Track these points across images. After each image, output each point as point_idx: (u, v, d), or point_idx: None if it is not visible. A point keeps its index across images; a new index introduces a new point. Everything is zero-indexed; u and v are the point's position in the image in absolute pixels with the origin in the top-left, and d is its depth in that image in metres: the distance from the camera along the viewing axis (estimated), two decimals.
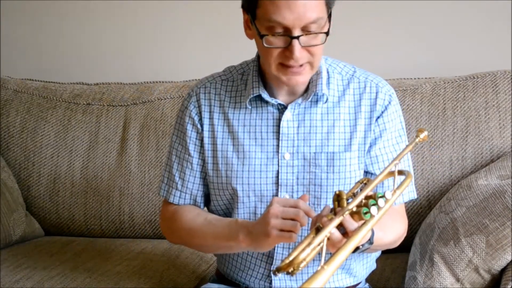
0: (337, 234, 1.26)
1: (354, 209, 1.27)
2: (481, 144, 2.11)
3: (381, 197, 1.28)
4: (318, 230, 1.25)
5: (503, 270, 1.60)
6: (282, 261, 1.17)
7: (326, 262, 1.15)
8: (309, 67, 1.48)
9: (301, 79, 1.49)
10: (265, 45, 1.44)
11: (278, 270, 1.16)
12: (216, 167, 1.62)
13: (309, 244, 1.19)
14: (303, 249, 1.18)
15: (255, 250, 1.49)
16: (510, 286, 1.53)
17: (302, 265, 1.17)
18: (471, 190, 1.77)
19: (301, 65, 1.46)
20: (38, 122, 2.46)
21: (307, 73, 1.49)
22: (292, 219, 1.37)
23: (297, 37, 1.42)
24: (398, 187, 1.37)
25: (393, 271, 1.97)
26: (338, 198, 1.31)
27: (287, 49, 1.44)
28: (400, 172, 1.42)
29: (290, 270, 1.16)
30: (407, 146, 1.46)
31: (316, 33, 1.44)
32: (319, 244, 1.20)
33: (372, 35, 2.51)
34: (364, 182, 1.40)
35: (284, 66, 1.47)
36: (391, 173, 1.41)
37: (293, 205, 1.38)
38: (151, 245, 2.23)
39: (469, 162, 2.10)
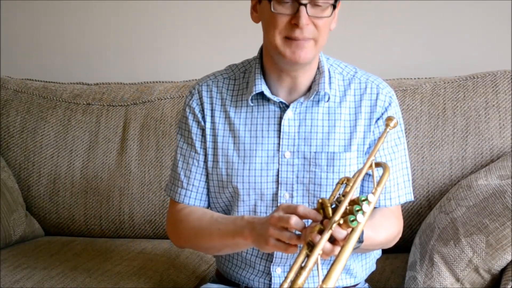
0: (327, 246, 1.28)
1: (341, 221, 1.28)
2: (481, 144, 2.11)
3: (364, 200, 1.29)
4: (309, 245, 1.27)
5: (503, 270, 1.60)
6: (281, 284, 1.20)
7: (324, 280, 1.17)
8: (313, 44, 1.49)
9: (304, 55, 1.49)
10: (273, 10, 1.46)
11: None
12: (216, 165, 1.62)
13: (305, 266, 1.21)
14: (300, 271, 1.20)
15: (259, 249, 1.48)
16: (510, 286, 1.53)
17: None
18: (471, 190, 1.77)
19: (304, 39, 1.47)
20: (38, 122, 2.46)
21: (310, 50, 1.49)
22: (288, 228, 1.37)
23: (305, 4, 1.44)
24: (378, 184, 1.37)
25: (393, 271, 1.97)
26: (322, 206, 1.32)
27: (294, 17, 1.45)
28: (378, 165, 1.42)
29: None
30: (379, 139, 1.46)
31: (324, 4, 1.46)
32: (314, 262, 1.22)
33: (372, 35, 2.51)
34: (344, 182, 1.39)
35: (288, 40, 1.47)
36: (370, 167, 1.41)
37: (291, 211, 1.37)
38: (151, 245, 2.23)
39: (469, 162, 2.10)
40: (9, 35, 2.83)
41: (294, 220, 1.34)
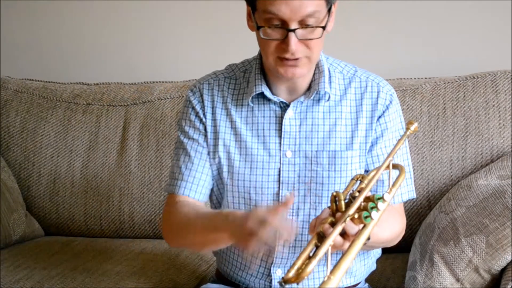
0: (338, 239, 1.27)
1: (355, 216, 1.27)
2: (481, 144, 2.11)
3: (379, 199, 1.29)
4: (319, 236, 1.26)
5: (503, 270, 1.60)
6: (288, 270, 1.18)
7: (332, 271, 1.16)
8: (306, 60, 1.49)
9: (298, 72, 1.49)
10: (262, 36, 1.45)
11: (285, 281, 1.17)
12: (218, 162, 1.62)
13: (314, 255, 1.19)
14: (308, 260, 1.19)
15: (237, 245, 1.42)
16: (510, 286, 1.53)
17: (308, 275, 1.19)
18: (471, 190, 1.77)
19: (297, 58, 1.46)
20: (38, 122, 2.46)
21: (304, 66, 1.49)
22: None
23: (293, 30, 1.43)
24: (393, 185, 1.37)
25: (393, 271, 1.97)
26: (336, 199, 1.31)
27: (284, 41, 1.44)
28: (395, 166, 1.42)
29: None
30: (398, 141, 1.46)
31: (313, 27, 1.44)
32: (324, 252, 1.21)
33: (372, 35, 2.52)
34: (359, 179, 1.39)
35: (281, 58, 1.47)
36: (387, 167, 1.41)
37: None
38: (151, 245, 2.23)
39: (469, 162, 2.10)
40: (9, 35, 2.83)
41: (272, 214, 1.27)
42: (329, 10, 1.47)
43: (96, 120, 2.43)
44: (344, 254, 1.21)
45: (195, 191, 1.64)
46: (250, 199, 1.60)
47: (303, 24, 1.43)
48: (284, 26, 1.43)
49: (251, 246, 1.30)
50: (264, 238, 1.27)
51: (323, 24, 1.45)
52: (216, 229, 1.46)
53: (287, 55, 1.45)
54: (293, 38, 1.43)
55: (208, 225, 1.50)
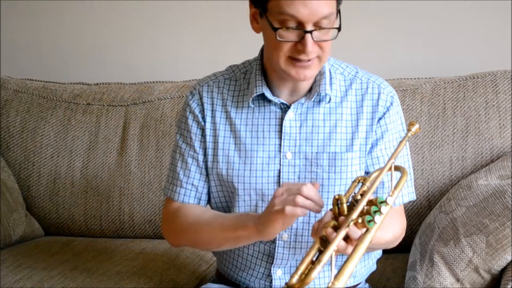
0: (342, 244, 1.27)
1: (359, 220, 1.27)
2: (481, 144, 2.11)
3: (382, 202, 1.28)
4: (322, 240, 1.26)
5: (503, 270, 1.60)
6: (292, 276, 1.19)
7: (336, 277, 1.16)
8: (317, 61, 1.49)
9: (309, 73, 1.49)
10: (278, 38, 1.45)
11: (290, 287, 1.17)
12: (217, 165, 1.62)
13: (318, 260, 1.19)
14: (312, 265, 1.19)
15: (262, 238, 1.47)
16: (510, 286, 1.53)
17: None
18: (471, 190, 1.78)
19: (309, 60, 1.47)
20: (38, 122, 2.46)
21: (315, 67, 1.50)
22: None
23: (310, 32, 1.43)
24: (396, 187, 1.37)
25: (393, 271, 1.97)
26: (338, 202, 1.31)
27: (299, 43, 1.45)
28: (397, 168, 1.42)
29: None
30: (400, 142, 1.46)
31: (328, 28, 1.45)
32: (329, 258, 1.21)
33: (372, 35, 2.52)
34: (361, 181, 1.39)
35: (293, 60, 1.47)
36: (389, 169, 1.41)
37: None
38: (151, 245, 2.24)
39: (469, 162, 2.10)
40: (9, 35, 2.83)
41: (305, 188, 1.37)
42: (338, 12, 1.48)
43: (96, 120, 2.43)
44: (347, 259, 1.21)
45: (194, 197, 1.65)
46: (250, 200, 1.60)
47: (317, 26, 1.44)
48: (300, 28, 1.43)
49: (281, 220, 1.38)
50: (292, 210, 1.35)
51: (336, 26, 1.47)
52: (240, 226, 1.50)
53: (302, 56, 1.46)
54: (309, 40, 1.43)
55: (229, 223, 1.53)
